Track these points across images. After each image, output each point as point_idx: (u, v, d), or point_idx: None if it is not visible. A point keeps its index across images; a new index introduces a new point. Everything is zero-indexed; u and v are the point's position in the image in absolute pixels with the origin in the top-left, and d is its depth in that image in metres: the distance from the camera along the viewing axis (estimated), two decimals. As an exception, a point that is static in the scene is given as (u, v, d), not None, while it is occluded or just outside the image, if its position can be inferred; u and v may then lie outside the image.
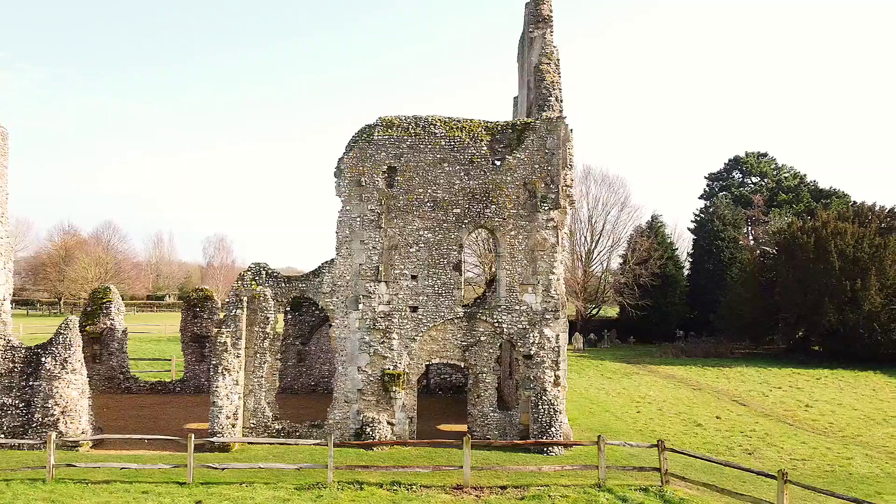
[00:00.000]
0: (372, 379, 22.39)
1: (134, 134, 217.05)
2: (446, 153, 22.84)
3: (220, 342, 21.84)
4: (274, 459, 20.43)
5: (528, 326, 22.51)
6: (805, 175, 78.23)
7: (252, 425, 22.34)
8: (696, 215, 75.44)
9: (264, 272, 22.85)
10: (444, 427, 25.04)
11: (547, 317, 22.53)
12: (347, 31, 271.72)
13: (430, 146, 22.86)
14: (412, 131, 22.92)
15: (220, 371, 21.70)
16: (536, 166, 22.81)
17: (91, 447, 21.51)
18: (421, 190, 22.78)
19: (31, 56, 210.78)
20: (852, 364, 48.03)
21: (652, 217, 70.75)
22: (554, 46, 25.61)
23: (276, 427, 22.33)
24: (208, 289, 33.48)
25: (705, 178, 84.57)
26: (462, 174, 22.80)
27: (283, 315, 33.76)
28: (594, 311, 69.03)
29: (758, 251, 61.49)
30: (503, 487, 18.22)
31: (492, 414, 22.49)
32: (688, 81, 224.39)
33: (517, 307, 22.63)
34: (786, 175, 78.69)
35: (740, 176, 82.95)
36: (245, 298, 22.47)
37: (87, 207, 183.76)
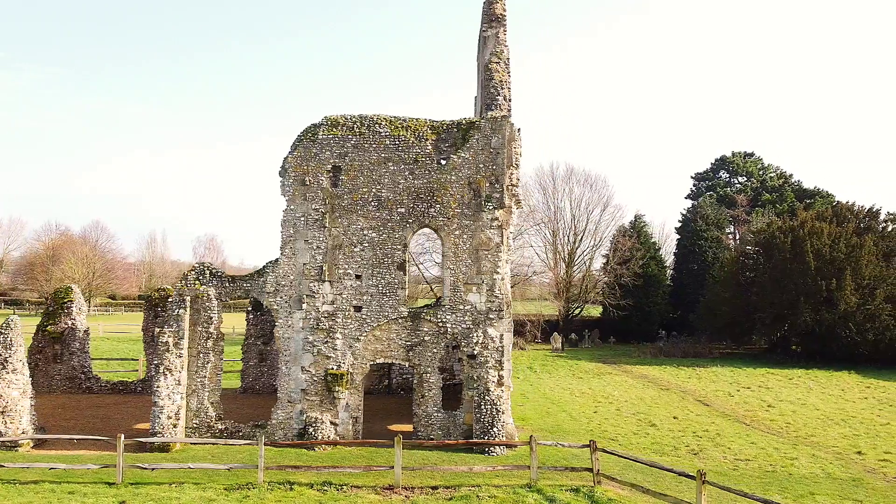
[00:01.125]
0: (315, 379, 22.34)
1: (130, 133, 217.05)
2: (391, 152, 22.78)
3: (161, 342, 21.79)
4: (213, 460, 20.37)
5: (472, 326, 22.45)
6: (791, 175, 78.20)
7: (195, 425, 22.28)
8: (682, 215, 75.42)
9: (208, 272, 22.80)
10: (394, 427, 24.97)
11: (491, 316, 22.46)
12: (341, 29, 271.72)
13: (374, 145, 22.80)
14: (357, 130, 22.87)
15: (161, 371, 21.65)
16: (481, 165, 22.74)
17: (32, 447, 21.46)
18: (365, 189, 22.73)
19: (30, 56, 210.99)
20: (829, 364, 47.96)
21: (635, 217, 70.68)
22: (505, 46, 25.54)
23: (220, 427, 22.27)
24: (170, 288, 33.44)
25: (692, 177, 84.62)
26: (407, 173, 22.74)
27: (245, 315, 33.77)
28: (577, 311, 68.95)
29: (739, 251, 61.34)
30: (434, 488, 18.15)
31: (436, 414, 22.42)
32: (678, 81, 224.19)
33: (461, 307, 22.57)
34: (771, 175, 78.62)
35: (727, 176, 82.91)
36: (188, 298, 22.41)
37: (86, 207, 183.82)
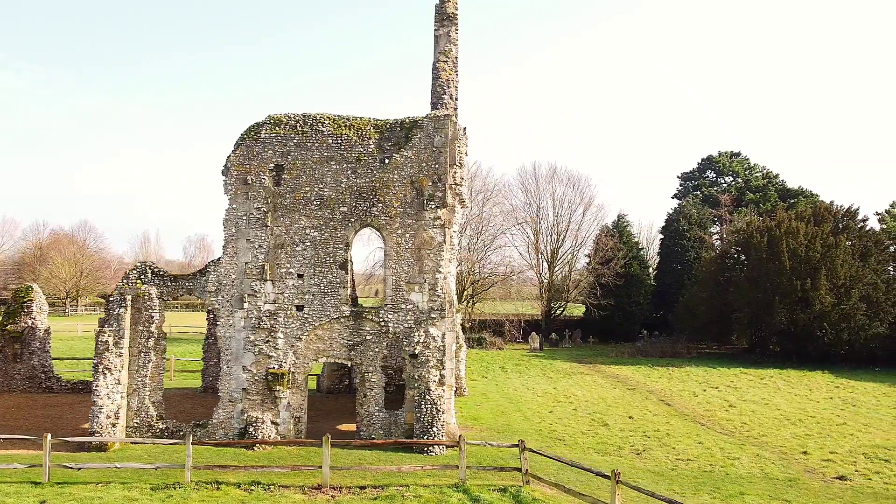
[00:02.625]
0: (257, 378, 22.28)
1: (125, 133, 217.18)
2: (333, 151, 22.72)
3: (101, 341, 21.74)
4: (149, 459, 20.25)
5: (413, 325, 22.39)
6: (777, 175, 77.98)
7: (135, 425, 22.23)
8: (666, 215, 75.31)
9: (150, 271, 22.75)
10: (344, 427, 24.89)
11: (433, 316, 22.39)
12: (334, 28, 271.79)
13: (317, 144, 22.75)
14: (300, 129, 22.81)
15: (100, 370, 21.60)
16: (424, 164, 22.68)
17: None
18: (308, 188, 22.67)
19: (28, 56, 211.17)
20: (804, 364, 47.87)
21: (618, 216, 70.65)
22: (454, 44, 25.52)
23: (161, 426, 22.22)
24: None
25: (678, 177, 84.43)
26: (349, 172, 22.69)
27: (206, 313, 33.70)
28: (559, 311, 68.87)
29: (718, 251, 61.27)
30: (362, 487, 18.08)
31: (377, 413, 22.35)
32: (666, 81, 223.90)
33: (403, 306, 22.50)
34: (756, 175, 78.45)
35: (714, 175, 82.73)
36: (129, 297, 22.36)
37: (84, 207, 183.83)
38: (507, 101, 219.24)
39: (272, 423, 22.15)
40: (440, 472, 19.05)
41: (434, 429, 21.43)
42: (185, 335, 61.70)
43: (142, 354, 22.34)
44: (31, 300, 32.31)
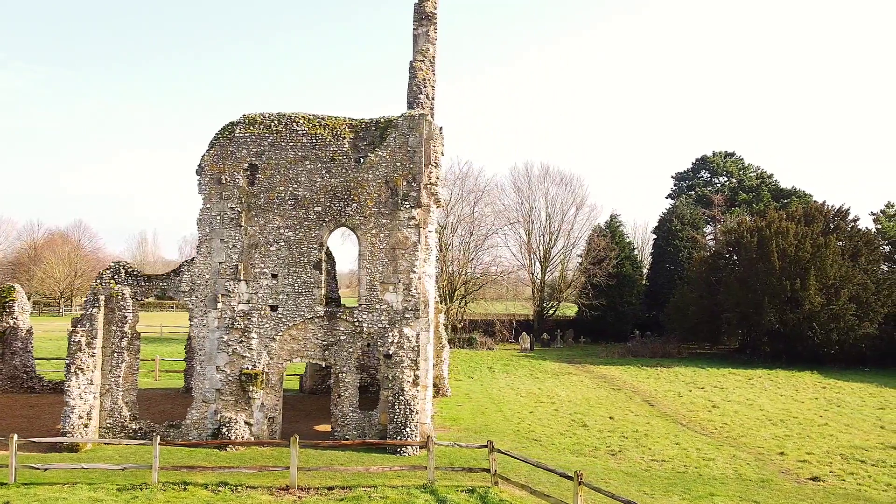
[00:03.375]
0: (230, 378, 22.20)
1: (124, 133, 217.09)
2: (308, 151, 22.64)
3: (73, 341, 21.66)
4: (120, 460, 20.20)
5: (388, 326, 22.30)
6: (772, 175, 77.85)
7: (108, 425, 22.16)
8: (660, 216, 75.21)
9: (123, 271, 22.67)
10: (321, 428, 24.81)
11: (407, 316, 22.30)
12: (332, 28, 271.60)
13: (291, 144, 22.66)
14: (274, 129, 22.73)
15: (73, 371, 21.52)
16: (398, 164, 22.58)
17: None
18: (282, 188, 22.59)
19: (28, 56, 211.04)
20: (793, 364, 47.78)
21: (611, 217, 70.52)
22: (432, 44, 25.42)
23: (134, 427, 22.15)
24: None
25: (672, 177, 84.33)
26: (324, 172, 22.60)
27: (189, 315, 33.61)
28: (551, 311, 68.78)
29: (710, 251, 61.16)
30: (330, 488, 18.02)
31: (351, 414, 22.27)
32: (662, 82, 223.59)
33: (378, 306, 22.42)
34: (750, 175, 78.32)
35: (708, 175, 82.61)
36: (102, 297, 22.29)
37: (82, 207, 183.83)
38: (503, 102, 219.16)
39: (246, 423, 22.07)
40: (410, 472, 18.96)
41: (408, 429, 21.34)
42: (176, 335, 61.73)
43: (115, 355, 22.25)
44: (14, 300, 32.23)
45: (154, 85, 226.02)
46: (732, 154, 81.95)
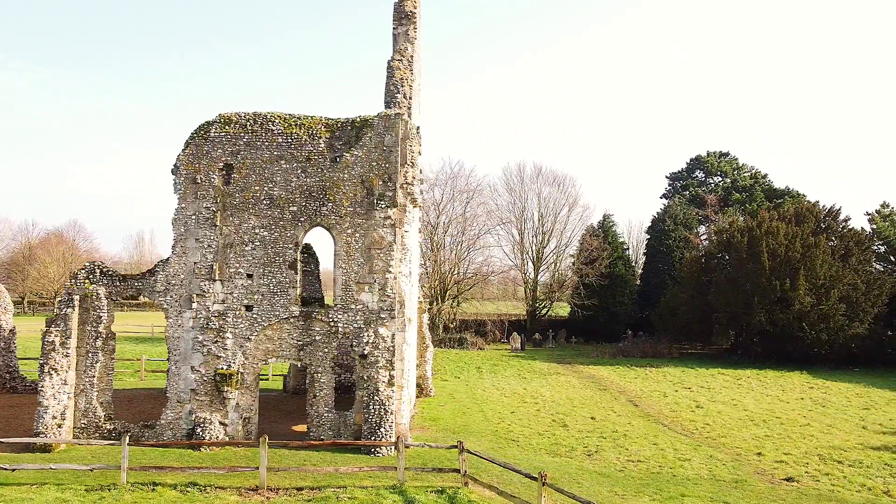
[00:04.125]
0: (205, 378, 22.12)
1: (124, 133, 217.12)
2: (283, 150, 22.58)
3: (47, 341, 21.60)
4: (92, 460, 20.14)
5: (363, 326, 22.23)
6: (766, 175, 77.76)
7: (83, 425, 22.09)
8: (653, 216, 75.12)
9: (98, 271, 22.61)
10: (298, 428, 24.73)
11: (383, 316, 22.23)
12: (332, 27, 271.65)
13: (267, 143, 22.60)
14: (250, 128, 22.66)
15: (46, 371, 21.46)
16: (374, 163, 22.52)
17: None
18: (257, 187, 22.52)
19: (28, 56, 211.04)
20: (784, 364, 47.70)
21: (604, 217, 70.44)
22: (411, 43, 25.37)
23: (108, 427, 22.07)
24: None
25: (666, 177, 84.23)
26: (299, 171, 22.54)
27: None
28: (544, 311, 68.72)
29: (701, 251, 61.06)
30: (299, 489, 17.97)
31: (326, 414, 22.20)
32: (658, 81, 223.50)
33: (353, 306, 22.35)
34: (744, 175, 78.22)
35: (703, 175, 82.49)
36: (77, 298, 22.22)
37: (82, 207, 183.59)
38: (498, 103, 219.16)
39: (221, 423, 22.00)
40: (380, 473, 18.90)
41: (382, 430, 21.27)
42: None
43: (90, 354, 22.19)
44: (-4, 300, 32.16)
45: (154, 85, 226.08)
46: (727, 154, 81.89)
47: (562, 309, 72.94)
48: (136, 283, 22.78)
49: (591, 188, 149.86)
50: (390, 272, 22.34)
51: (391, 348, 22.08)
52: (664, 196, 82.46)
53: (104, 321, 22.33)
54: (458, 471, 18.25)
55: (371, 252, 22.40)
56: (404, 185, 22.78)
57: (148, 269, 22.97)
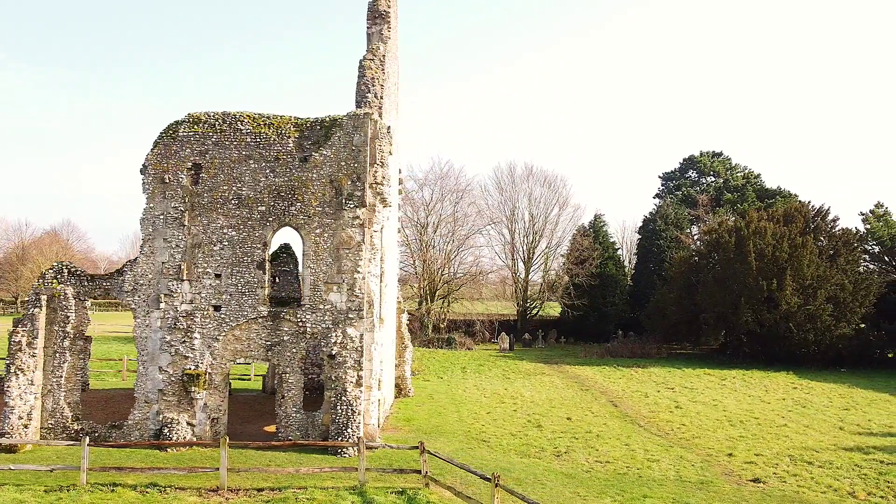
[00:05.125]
0: (173, 379, 22.06)
1: (123, 133, 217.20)
2: (252, 150, 22.51)
3: (14, 341, 21.55)
4: (57, 461, 20.10)
5: (331, 326, 22.16)
6: (759, 175, 77.57)
7: (50, 426, 22.03)
8: (644, 216, 74.99)
9: (66, 270, 22.55)
10: (270, 428, 24.65)
11: (351, 316, 22.16)
12: (334, 27, 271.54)
13: (235, 143, 22.54)
14: (219, 128, 22.60)
15: (13, 371, 21.40)
16: (343, 163, 22.45)
17: None
18: (226, 187, 22.46)
19: (28, 56, 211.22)
20: (772, 364, 47.61)
21: (595, 217, 70.32)
22: (383, 43, 25.31)
23: (76, 427, 22.02)
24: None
25: (659, 177, 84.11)
26: (268, 171, 22.48)
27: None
28: (534, 311, 68.62)
29: (691, 251, 60.93)
30: (259, 490, 17.92)
31: (294, 414, 22.13)
32: (653, 81, 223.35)
33: (321, 306, 22.28)
34: (737, 175, 78.06)
35: (696, 175, 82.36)
36: (44, 297, 22.17)
37: (85, 207, 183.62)
38: (493, 104, 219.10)
39: (188, 424, 21.94)
40: (343, 474, 18.84)
41: (349, 430, 21.19)
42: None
43: (57, 355, 22.13)
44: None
45: (154, 85, 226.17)
46: (720, 154, 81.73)
47: (553, 309, 72.80)
48: (104, 283, 22.72)
49: (586, 189, 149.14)
50: (359, 272, 22.27)
51: (359, 348, 22.01)
52: (657, 196, 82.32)
53: (72, 321, 22.27)
54: (419, 472, 18.19)
55: (340, 252, 22.33)
56: (374, 185, 22.71)
57: (117, 269, 22.93)
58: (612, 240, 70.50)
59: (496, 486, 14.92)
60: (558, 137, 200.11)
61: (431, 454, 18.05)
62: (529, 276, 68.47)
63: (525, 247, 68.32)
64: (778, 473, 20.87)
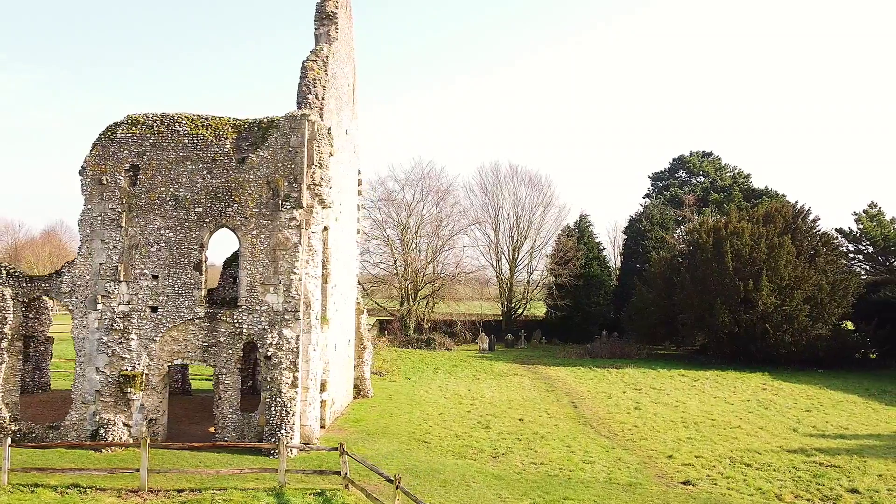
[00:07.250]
0: (110, 380, 22.13)
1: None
2: (189, 151, 22.56)
3: (-50, 343, 21.64)
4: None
5: (267, 327, 22.17)
6: (748, 175, 77.15)
7: (-13, 426, 22.12)
8: (630, 216, 74.73)
9: (4, 271, 22.65)
10: (213, 429, 24.70)
11: (287, 317, 22.16)
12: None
13: (173, 144, 22.59)
14: (157, 129, 22.66)
15: (-51, 372, 21.50)
16: (280, 164, 22.45)
17: None
18: (163, 189, 22.51)
19: (28, 56, 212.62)
20: (749, 365, 47.36)
21: (580, 217, 70.10)
22: (327, 44, 25.31)
23: (13, 428, 22.10)
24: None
25: (649, 177, 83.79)
26: (205, 172, 22.51)
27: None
28: (519, 311, 68.49)
29: (671, 251, 60.63)
30: (180, 491, 17.97)
31: (231, 415, 22.17)
32: (646, 81, 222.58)
33: (258, 307, 22.30)
34: (725, 175, 77.66)
35: (686, 175, 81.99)
36: (-18, 298, 22.26)
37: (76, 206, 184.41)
38: (489, 104, 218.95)
39: (124, 425, 22.00)
40: (266, 475, 18.81)
41: (283, 431, 21.18)
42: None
43: (-5, 356, 22.21)
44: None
45: (154, 85, 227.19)
46: (710, 154, 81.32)
47: (538, 309, 72.68)
48: (42, 284, 22.83)
49: (578, 190, 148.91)
50: (295, 273, 22.26)
51: (296, 350, 22.00)
52: (647, 196, 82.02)
53: (10, 322, 22.35)
54: (339, 473, 18.17)
55: (276, 253, 22.33)
56: (311, 186, 22.71)
57: (55, 270, 23.00)
58: (597, 240, 70.24)
59: (397, 488, 14.89)
60: (550, 139, 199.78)
61: (349, 456, 18.01)
62: (514, 277, 68.37)
63: (510, 247, 68.28)
64: (712, 476, 20.72)
